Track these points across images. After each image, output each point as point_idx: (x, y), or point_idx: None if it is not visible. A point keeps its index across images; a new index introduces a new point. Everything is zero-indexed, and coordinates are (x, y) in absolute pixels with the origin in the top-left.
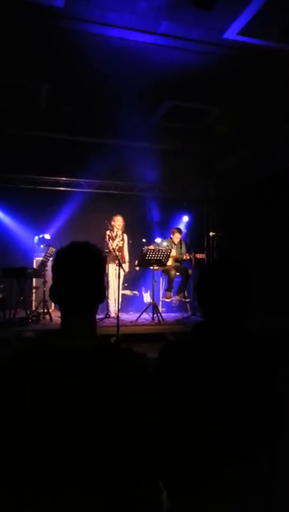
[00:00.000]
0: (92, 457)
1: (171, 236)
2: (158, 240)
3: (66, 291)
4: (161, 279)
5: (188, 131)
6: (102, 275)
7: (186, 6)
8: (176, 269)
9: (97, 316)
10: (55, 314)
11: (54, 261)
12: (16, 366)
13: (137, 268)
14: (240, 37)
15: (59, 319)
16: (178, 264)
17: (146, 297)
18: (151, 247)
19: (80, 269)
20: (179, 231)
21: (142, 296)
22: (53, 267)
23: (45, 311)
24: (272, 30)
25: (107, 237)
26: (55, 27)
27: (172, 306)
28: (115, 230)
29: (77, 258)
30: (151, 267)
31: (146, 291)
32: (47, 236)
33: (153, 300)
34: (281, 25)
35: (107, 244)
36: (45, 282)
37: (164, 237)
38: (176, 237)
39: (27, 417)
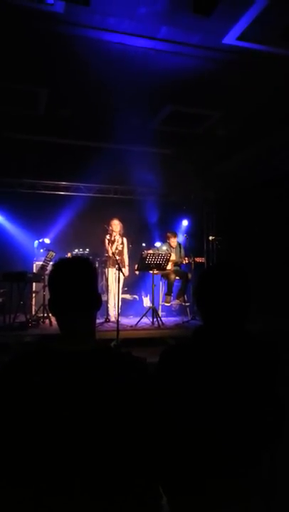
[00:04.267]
0: (92, 461)
1: (168, 241)
2: (158, 244)
3: (63, 301)
4: (160, 283)
5: (188, 136)
6: (96, 283)
7: (186, 11)
8: (176, 273)
9: (97, 321)
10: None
11: (49, 276)
12: (15, 370)
13: (137, 272)
14: (240, 42)
15: None
16: (177, 268)
17: (146, 301)
18: (151, 251)
19: (74, 279)
20: (174, 234)
21: (141, 301)
22: (49, 281)
23: (45, 315)
24: (272, 35)
25: (107, 241)
26: (55, 32)
27: (172, 310)
28: (113, 234)
29: (71, 270)
30: (151, 271)
31: (146, 296)
32: (47, 240)
33: (153, 304)
34: (280, 30)
35: (107, 248)
36: (45, 287)
37: (163, 241)
38: (173, 241)
39: (27, 420)
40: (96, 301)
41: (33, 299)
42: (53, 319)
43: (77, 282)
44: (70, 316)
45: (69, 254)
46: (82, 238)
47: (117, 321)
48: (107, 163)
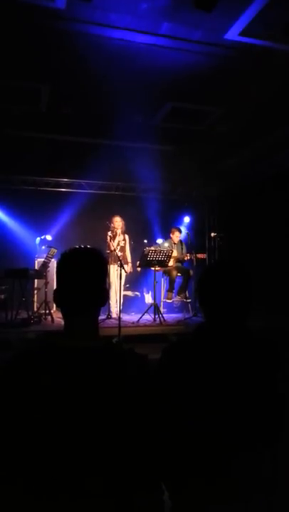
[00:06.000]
0: (94, 457)
1: (171, 236)
2: (159, 241)
3: (69, 293)
4: (162, 279)
5: (190, 132)
6: (104, 279)
7: (187, 6)
8: (178, 269)
9: (99, 317)
10: (57, 315)
11: (58, 264)
12: (18, 366)
13: (139, 269)
14: (242, 37)
15: (61, 320)
16: (179, 264)
17: (148, 298)
18: (153, 247)
19: (83, 271)
20: (179, 230)
21: (143, 297)
22: (57, 269)
23: (47, 312)
24: (274, 30)
25: (108, 237)
26: (56, 28)
27: (174, 307)
28: (115, 230)
29: (81, 261)
30: (153, 268)
31: (148, 292)
32: (48, 237)
33: (154, 301)
34: (283, 25)
35: (109, 244)
36: (46, 283)
37: (165, 237)
38: (176, 237)
39: (29, 416)
40: (103, 296)
41: (35, 296)
42: (55, 316)
43: (85, 275)
44: (75, 310)
45: None
46: (83, 235)
47: (119, 317)
48: (109, 160)
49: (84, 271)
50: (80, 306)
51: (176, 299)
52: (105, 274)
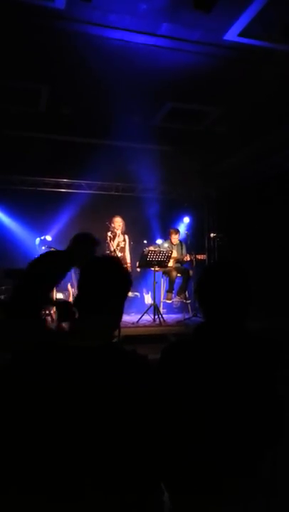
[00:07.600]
0: (94, 457)
1: (170, 237)
2: (159, 242)
3: (92, 300)
4: (162, 280)
5: (189, 133)
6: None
7: (187, 7)
8: (177, 270)
9: None
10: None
11: (81, 273)
12: (18, 366)
13: (138, 269)
14: (241, 38)
15: None
16: (179, 265)
17: (148, 298)
18: (152, 248)
19: (106, 279)
20: (177, 231)
21: (143, 298)
22: (80, 279)
23: (47, 312)
24: (273, 31)
25: (108, 238)
26: (55, 28)
27: (173, 308)
28: (115, 231)
29: (104, 270)
30: (152, 268)
31: (148, 293)
32: (48, 238)
33: (154, 301)
34: (282, 26)
35: (108, 245)
36: None
37: (165, 238)
38: (174, 238)
39: (29, 416)
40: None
41: None
42: (55, 316)
43: (108, 283)
44: (89, 310)
45: None
46: None
47: None
48: (109, 161)
49: (107, 279)
50: (94, 306)
51: (176, 299)
52: (127, 291)
